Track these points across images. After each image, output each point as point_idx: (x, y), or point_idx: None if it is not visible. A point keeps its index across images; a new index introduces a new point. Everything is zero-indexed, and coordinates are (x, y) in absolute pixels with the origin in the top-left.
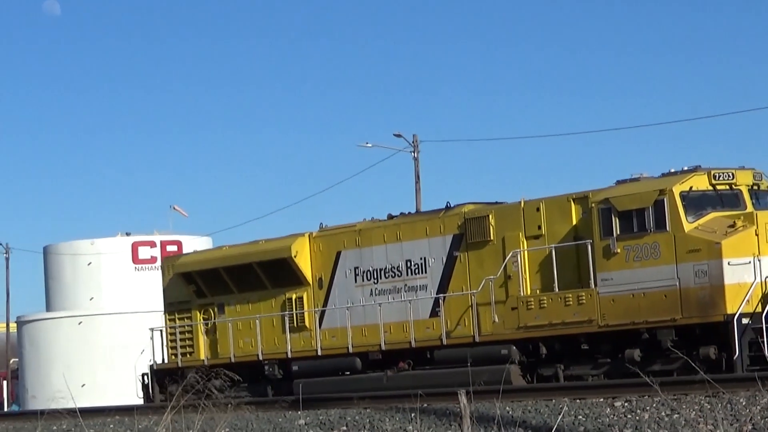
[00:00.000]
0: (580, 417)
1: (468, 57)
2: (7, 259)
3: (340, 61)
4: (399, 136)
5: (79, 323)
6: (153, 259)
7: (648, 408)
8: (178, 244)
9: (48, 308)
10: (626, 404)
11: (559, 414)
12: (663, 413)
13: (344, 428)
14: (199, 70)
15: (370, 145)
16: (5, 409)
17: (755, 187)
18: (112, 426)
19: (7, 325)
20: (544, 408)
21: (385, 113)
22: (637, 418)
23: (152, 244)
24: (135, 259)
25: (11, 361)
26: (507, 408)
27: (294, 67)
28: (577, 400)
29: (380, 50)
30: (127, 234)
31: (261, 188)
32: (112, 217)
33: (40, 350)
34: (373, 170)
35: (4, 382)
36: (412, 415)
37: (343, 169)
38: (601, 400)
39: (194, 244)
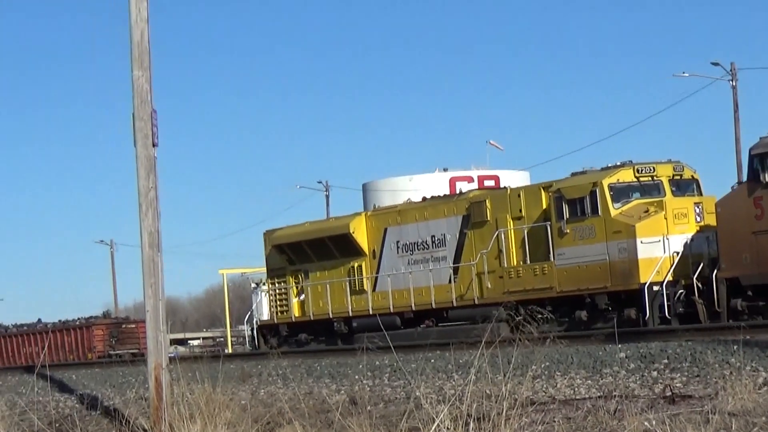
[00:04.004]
0: None
1: None
2: (327, 197)
3: None
4: (716, 64)
5: None
6: None
7: None
8: (496, 178)
9: None
10: None
11: None
12: None
13: (665, 361)
14: None
15: (686, 74)
16: None
17: (676, 177)
18: (432, 361)
19: None
20: None
21: (702, 41)
22: None
23: (470, 179)
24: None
25: None
26: None
27: None
28: None
29: None
30: (445, 170)
31: (576, 121)
32: (429, 153)
33: None
34: (689, 102)
35: None
36: (734, 347)
37: (657, 101)
38: None
39: (512, 178)
